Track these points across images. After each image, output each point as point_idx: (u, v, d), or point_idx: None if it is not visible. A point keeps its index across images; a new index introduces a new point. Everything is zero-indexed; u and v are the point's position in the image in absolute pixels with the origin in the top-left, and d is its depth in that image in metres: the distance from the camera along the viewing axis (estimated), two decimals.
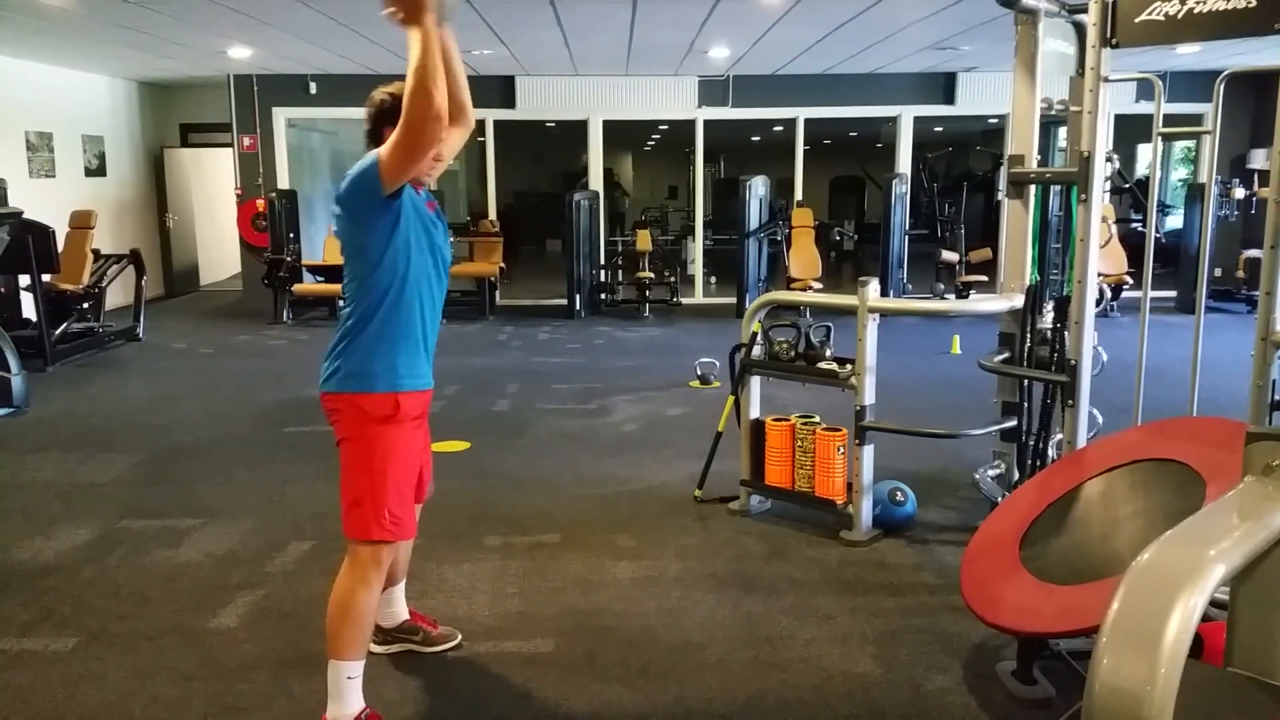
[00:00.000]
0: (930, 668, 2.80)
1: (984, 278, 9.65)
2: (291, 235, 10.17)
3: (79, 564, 3.59)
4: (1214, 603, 1.22)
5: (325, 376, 2.43)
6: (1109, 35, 3.28)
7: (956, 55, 9.22)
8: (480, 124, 11.20)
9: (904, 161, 10.91)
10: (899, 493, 3.92)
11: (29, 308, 7.48)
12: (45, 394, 6.41)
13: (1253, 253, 9.63)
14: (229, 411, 6.01)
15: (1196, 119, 10.01)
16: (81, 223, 8.36)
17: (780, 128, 11.41)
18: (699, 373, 6.72)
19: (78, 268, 8.03)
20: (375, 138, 2.41)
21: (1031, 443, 3.80)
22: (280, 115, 10.72)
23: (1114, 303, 9.37)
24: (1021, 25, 3.63)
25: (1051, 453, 3.78)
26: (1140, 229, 9.94)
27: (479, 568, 3.54)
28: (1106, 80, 3.35)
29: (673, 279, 10.85)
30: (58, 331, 7.51)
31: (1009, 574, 2.64)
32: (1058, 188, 4.10)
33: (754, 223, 9.83)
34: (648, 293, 10.18)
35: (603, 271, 10.93)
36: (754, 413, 4.13)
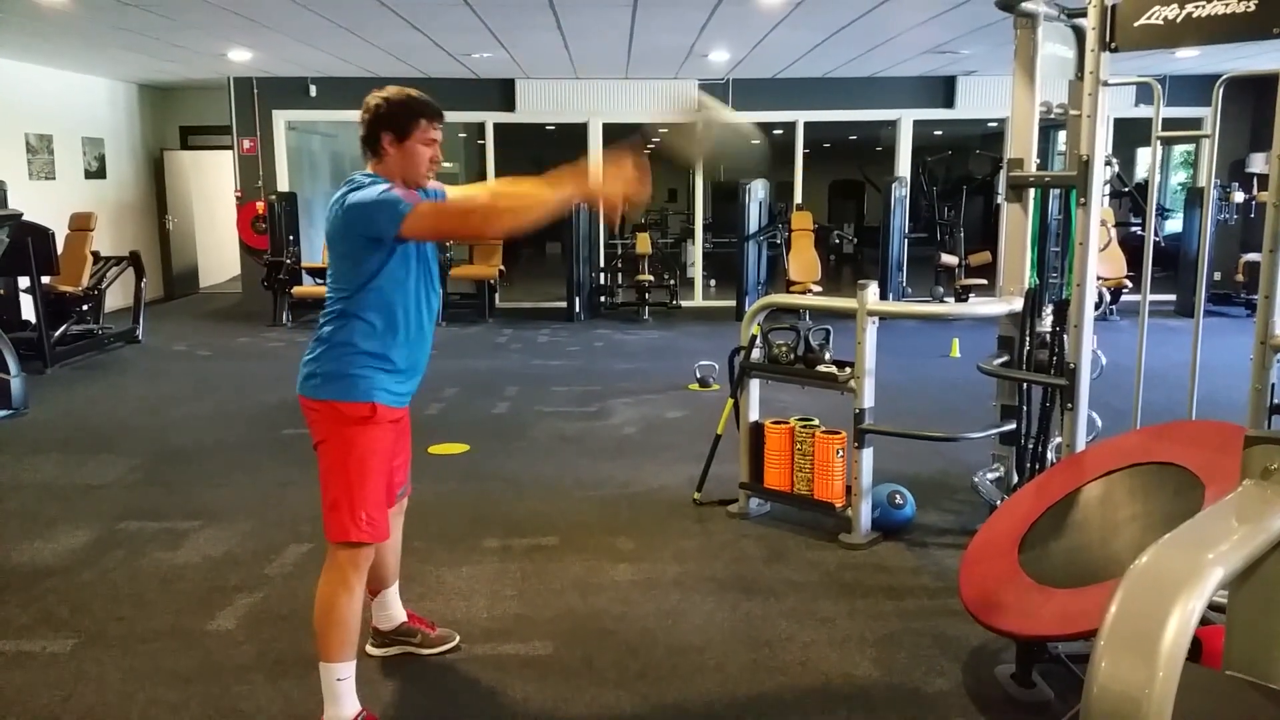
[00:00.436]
0: (929, 671, 2.80)
1: (983, 281, 9.63)
2: (291, 238, 10.16)
3: (77, 566, 3.59)
4: (1212, 606, 1.22)
5: (303, 378, 2.41)
6: (1108, 39, 3.29)
7: (956, 59, 9.23)
8: (480, 127, 11.22)
9: (903, 165, 10.91)
10: (898, 496, 3.92)
11: (28, 310, 7.47)
12: (44, 396, 6.41)
13: (1252, 256, 9.63)
14: (228, 414, 6.01)
15: (1196, 123, 10.02)
16: (81, 225, 8.35)
17: (780, 131, 11.42)
18: (698, 375, 6.72)
19: (77, 270, 8.03)
20: (371, 143, 2.41)
21: (1030, 446, 3.79)
22: (280, 118, 10.72)
23: (1113, 306, 9.36)
24: (1021, 29, 3.63)
25: (1050, 456, 3.78)
26: (1139, 232, 9.95)
27: (478, 570, 3.54)
28: (1106, 84, 3.35)
29: (672, 282, 10.84)
30: (57, 333, 7.51)
31: (1008, 577, 2.64)
32: (1057, 191, 4.11)
33: (753, 226, 9.84)
34: (647, 296, 10.17)
35: (602, 274, 10.93)
36: (753, 415, 4.13)
